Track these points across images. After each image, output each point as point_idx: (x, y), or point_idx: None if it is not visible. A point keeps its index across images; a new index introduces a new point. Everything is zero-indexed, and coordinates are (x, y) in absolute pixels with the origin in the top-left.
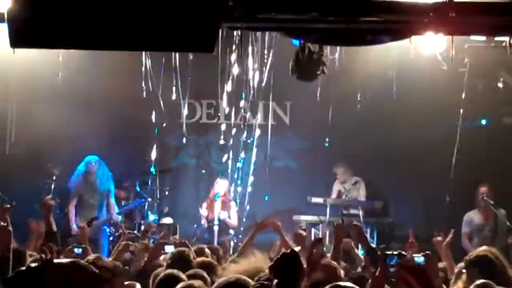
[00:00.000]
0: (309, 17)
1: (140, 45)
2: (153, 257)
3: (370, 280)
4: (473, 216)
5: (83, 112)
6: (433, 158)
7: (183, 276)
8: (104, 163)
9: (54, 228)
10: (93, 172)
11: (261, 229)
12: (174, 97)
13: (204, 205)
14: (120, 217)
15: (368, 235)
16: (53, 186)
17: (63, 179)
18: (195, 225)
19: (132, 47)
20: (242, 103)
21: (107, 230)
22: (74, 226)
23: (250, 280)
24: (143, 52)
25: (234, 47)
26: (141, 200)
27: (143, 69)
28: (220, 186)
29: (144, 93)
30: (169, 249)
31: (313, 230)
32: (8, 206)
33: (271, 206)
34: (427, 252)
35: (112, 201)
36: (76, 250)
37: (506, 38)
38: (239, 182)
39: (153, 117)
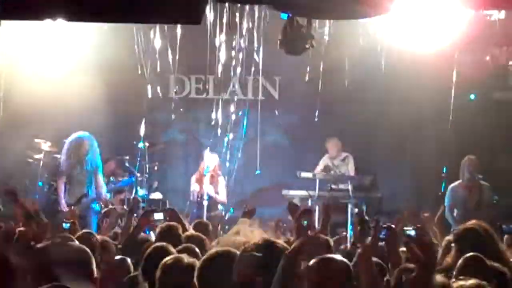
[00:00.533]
0: None
1: (128, 17)
2: (141, 224)
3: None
4: (457, 189)
5: (72, 85)
6: (422, 132)
7: (172, 249)
8: (94, 139)
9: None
10: (84, 148)
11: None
12: (163, 71)
13: (193, 178)
14: (109, 195)
15: (356, 209)
16: (41, 162)
17: (52, 153)
18: (186, 201)
19: (120, 20)
20: (231, 78)
21: (96, 206)
22: (62, 202)
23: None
24: (134, 27)
25: (224, 21)
26: (130, 178)
27: (135, 44)
28: (210, 159)
29: (138, 68)
30: (158, 216)
31: (309, 201)
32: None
33: (261, 181)
34: (418, 225)
35: (101, 178)
36: (64, 225)
37: (495, 12)
38: (228, 157)
39: (145, 91)
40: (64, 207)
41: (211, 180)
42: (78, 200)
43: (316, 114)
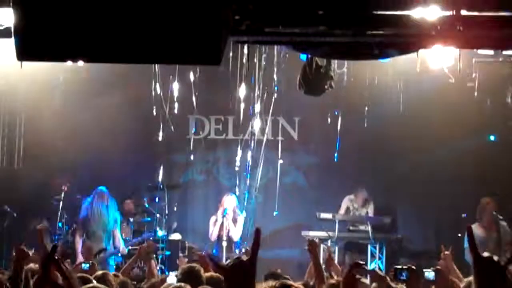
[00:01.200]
0: (316, 30)
1: (147, 57)
2: None
3: None
4: (476, 230)
5: (92, 127)
6: (442, 174)
7: None
8: (110, 195)
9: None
10: (102, 203)
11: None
12: (182, 112)
13: (212, 220)
14: (127, 250)
15: (377, 251)
16: (61, 202)
17: (72, 194)
18: (205, 242)
19: (139, 60)
20: (251, 119)
21: (112, 262)
22: (80, 257)
23: None
24: (152, 67)
25: (243, 61)
26: (149, 233)
27: (153, 85)
28: (228, 202)
29: (154, 110)
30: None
31: (322, 245)
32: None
33: (280, 221)
34: (438, 267)
35: (118, 233)
36: (83, 265)
37: None
38: (247, 198)
39: (161, 133)
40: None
41: (230, 221)
42: (96, 255)
43: (335, 154)
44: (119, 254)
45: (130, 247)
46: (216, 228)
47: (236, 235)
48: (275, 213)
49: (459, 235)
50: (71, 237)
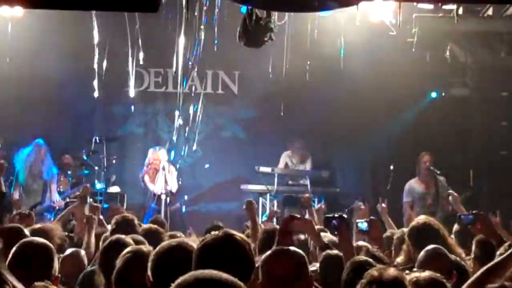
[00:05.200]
0: None
1: (85, 4)
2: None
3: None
4: (414, 185)
5: (27, 79)
6: (379, 128)
7: (130, 241)
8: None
9: (3, 188)
10: (41, 157)
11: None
12: (121, 65)
13: (146, 178)
14: (63, 203)
15: (316, 205)
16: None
17: (6, 150)
18: (144, 195)
19: (77, 6)
20: (191, 72)
21: (48, 217)
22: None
23: (193, 244)
24: (93, 17)
25: (183, 13)
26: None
27: (92, 35)
28: (154, 155)
29: (95, 61)
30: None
31: (260, 199)
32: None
33: (220, 175)
34: (371, 217)
35: (55, 187)
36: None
37: (454, 7)
38: (186, 151)
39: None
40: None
41: (154, 174)
42: (31, 209)
43: (282, 108)
44: (56, 207)
45: (68, 199)
46: (151, 186)
47: (174, 187)
48: (206, 166)
49: (387, 188)
50: (8, 189)
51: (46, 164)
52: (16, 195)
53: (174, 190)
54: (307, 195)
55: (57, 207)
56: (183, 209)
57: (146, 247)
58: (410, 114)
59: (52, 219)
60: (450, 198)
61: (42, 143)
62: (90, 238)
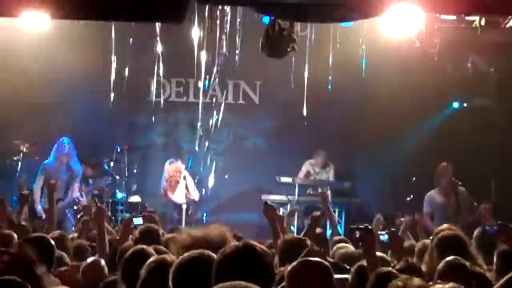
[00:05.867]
0: None
1: (110, 15)
2: (124, 235)
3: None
4: (435, 196)
5: (50, 88)
6: (401, 139)
7: (152, 251)
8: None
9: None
10: (67, 154)
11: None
12: (143, 75)
13: (169, 192)
14: (85, 198)
15: (336, 215)
16: (20, 163)
17: (31, 156)
18: (166, 205)
19: (102, 17)
20: (212, 81)
21: (71, 214)
22: (39, 208)
23: (213, 254)
24: (113, 28)
25: (205, 23)
26: (106, 178)
27: (113, 45)
28: (171, 168)
29: (113, 71)
30: (137, 221)
31: (281, 209)
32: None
33: (241, 185)
34: (392, 229)
35: (78, 185)
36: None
37: (476, 18)
38: (208, 161)
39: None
40: (40, 212)
41: (176, 186)
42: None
43: (298, 119)
44: (79, 204)
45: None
46: (179, 192)
47: (196, 196)
48: (226, 176)
49: (408, 199)
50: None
51: (72, 161)
52: (38, 190)
53: (196, 199)
54: (323, 190)
55: (80, 204)
56: (204, 218)
57: (169, 257)
58: (432, 124)
59: (71, 218)
60: (481, 208)
61: (68, 141)
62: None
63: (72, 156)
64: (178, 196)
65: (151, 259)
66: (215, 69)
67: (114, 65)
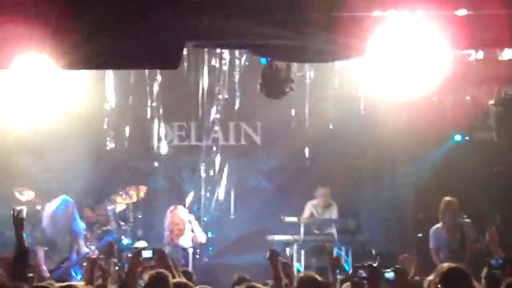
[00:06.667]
0: (273, 34)
1: (106, 64)
2: (132, 267)
3: None
4: (440, 231)
5: (51, 134)
6: (403, 174)
7: None
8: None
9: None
10: (69, 215)
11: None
12: (144, 120)
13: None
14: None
15: (343, 254)
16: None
17: (35, 204)
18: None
19: (99, 66)
20: (212, 125)
21: (76, 272)
22: (44, 269)
23: None
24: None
25: (205, 67)
26: (109, 236)
27: (113, 94)
28: (173, 215)
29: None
30: (146, 254)
31: (287, 249)
32: None
33: (245, 226)
34: (397, 266)
35: (83, 242)
36: None
37: (472, 51)
38: (212, 203)
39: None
40: (45, 276)
41: (179, 235)
42: (61, 264)
43: (301, 158)
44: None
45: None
46: (186, 237)
47: (203, 238)
48: (231, 216)
49: (419, 235)
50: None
51: (74, 220)
52: (40, 254)
53: (204, 241)
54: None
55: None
56: (206, 258)
57: None
58: (434, 158)
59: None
60: (487, 235)
61: (69, 200)
62: None
63: (72, 218)
64: (185, 241)
65: None
66: (215, 111)
67: (115, 112)
